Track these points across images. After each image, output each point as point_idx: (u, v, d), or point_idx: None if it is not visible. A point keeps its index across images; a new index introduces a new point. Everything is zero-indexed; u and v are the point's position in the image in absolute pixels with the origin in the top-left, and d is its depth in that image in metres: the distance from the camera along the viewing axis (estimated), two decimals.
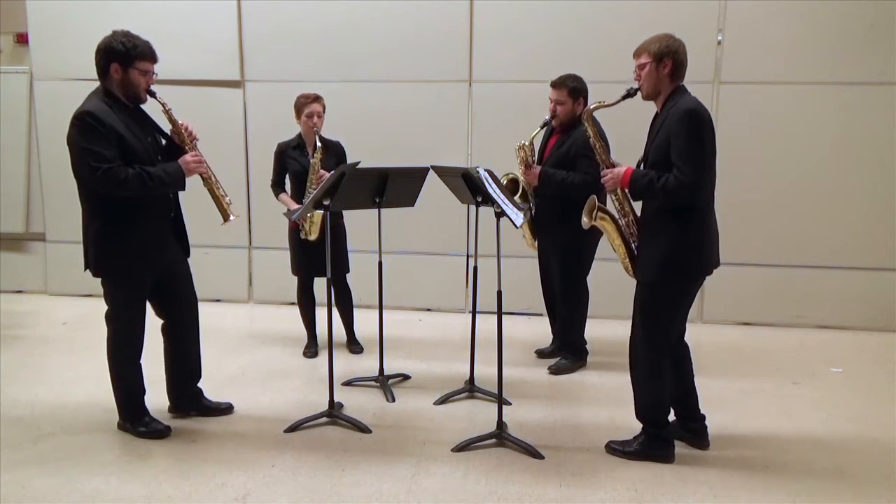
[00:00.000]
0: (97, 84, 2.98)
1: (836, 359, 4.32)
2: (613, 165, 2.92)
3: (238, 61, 5.34)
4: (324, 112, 3.97)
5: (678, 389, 2.96)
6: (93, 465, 2.82)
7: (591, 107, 3.00)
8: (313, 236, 3.95)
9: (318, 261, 3.89)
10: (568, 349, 4.07)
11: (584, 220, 2.90)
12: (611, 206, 2.98)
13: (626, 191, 2.85)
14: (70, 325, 4.94)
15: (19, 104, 5.67)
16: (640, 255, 2.86)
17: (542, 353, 4.26)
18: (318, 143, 3.87)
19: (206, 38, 5.31)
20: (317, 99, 3.93)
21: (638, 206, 2.92)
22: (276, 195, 4.09)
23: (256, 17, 5.28)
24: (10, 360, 4.11)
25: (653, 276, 2.77)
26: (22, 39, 5.69)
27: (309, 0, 5.19)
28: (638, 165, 2.87)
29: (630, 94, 2.84)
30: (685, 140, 2.61)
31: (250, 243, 5.57)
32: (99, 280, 2.98)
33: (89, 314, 5.11)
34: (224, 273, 5.55)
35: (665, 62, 2.72)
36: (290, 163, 4.01)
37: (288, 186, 4.11)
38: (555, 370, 3.99)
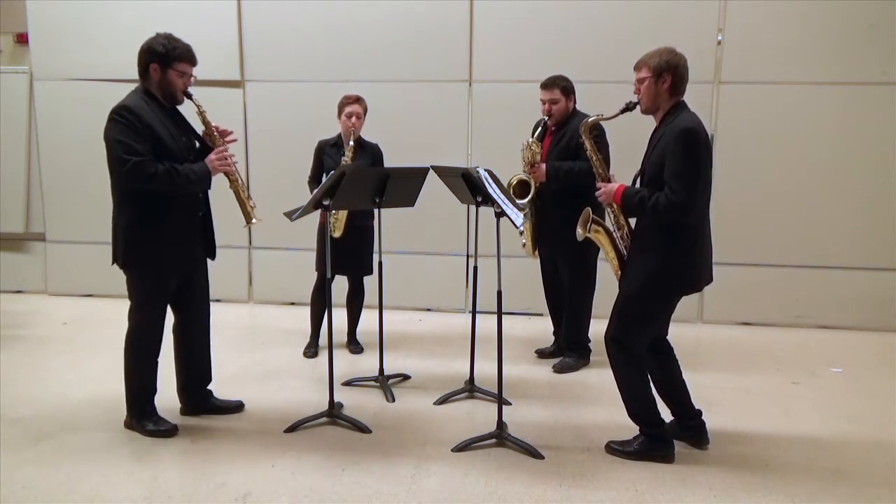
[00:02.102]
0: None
1: (836, 359, 4.32)
2: (610, 180, 2.94)
3: (238, 61, 5.34)
4: (364, 114, 4.03)
5: (668, 388, 2.97)
6: (93, 465, 2.82)
7: (590, 120, 3.01)
8: (337, 234, 3.97)
9: (341, 259, 3.93)
10: (572, 348, 4.07)
11: (579, 231, 2.90)
12: (607, 218, 2.98)
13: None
14: (70, 325, 4.93)
15: (19, 104, 5.66)
16: (627, 266, 2.86)
17: (542, 353, 4.26)
18: (351, 143, 3.91)
19: (206, 38, 5.27)
20: (358, 100, 4.00)
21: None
22: (311, 191, 4.11)
23: (256, 17, 5.28)
24: (10, 360, 4.11)
25: (635, 290, 2.78)
26: (22, 39, 5.68)
27: (309, 0, 5.20)
28: (634, 180, 2.88)
29: (629, 107, 2.84)
30: (680, 160, 2.61)
31: (250, 243, 5.57)
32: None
33: (89, 314, 5.10)
34: (224, 273, 5.52)
35: (664, 77, 2.71)
36: (326, 160, 4.07)
37: None
38: (559, 368, 3.99)
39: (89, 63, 5.41)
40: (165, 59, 2.92)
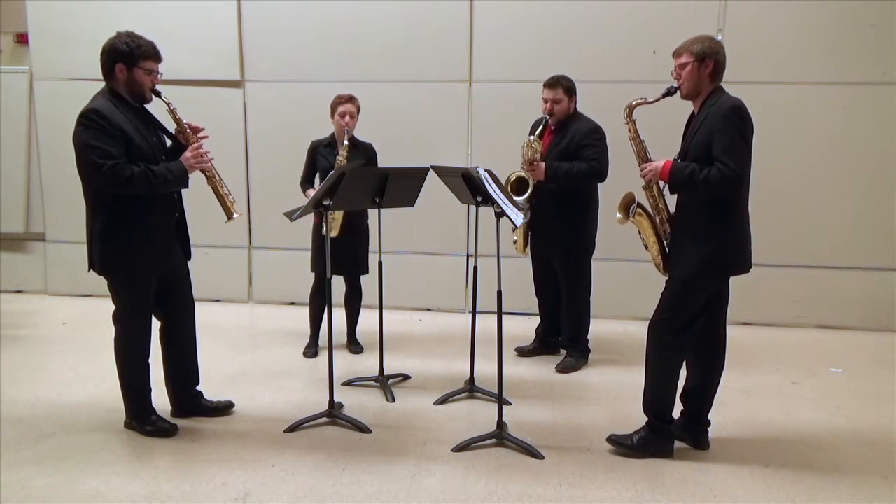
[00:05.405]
0: (98, 84, 2.98)
1: (836, 359, 4.32)
2: (650, 160, 2.93)
3: (238, 61, 5.34)
4: (357, 113, 4.02)
5: (698, 386, 2.98)
6: (93, 465, 2.82)
7: (634, 103, 2.96)
8: (334, 233, 3.96)
9: (338, 259, 3.92)
10: (573, 346, 4.07)
11: (619, 216, 2.88)
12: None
13: (663, 186, 2.86)
14: (70, 325, 4.94)
15: (19, 104, 5.66)
16: (674, 251, 2.87)
17: (521, 352, 4.28)
18: (346, 142, 3.90)
19: (206, 38, 5.31)
20: (350, 99, 3.99)
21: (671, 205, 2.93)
22: (304, 191, 4.11)
23: (256, 17, 5.27)
24: (10, 360, 4.11)
25: (691, 273, 2.77)
26: (22, 39, 5.68)
27: (309, 0, 5.19)
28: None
29: (670, 92, 2.85)
30: (730, 135, 2.64)
31: (250, 243, 5.57)
32: (103, 280, 2.98)
33: (89, 314, 5.11)
34: (224, 273, 5.55)
35: (707, 62, 2.74)
36: (320, 160, 4.07)
37: (318, 184, 4.14)
38: (562, 369, 3.99)
39: (89, 63, 5.33)
40: (131, 58, 2.86)
